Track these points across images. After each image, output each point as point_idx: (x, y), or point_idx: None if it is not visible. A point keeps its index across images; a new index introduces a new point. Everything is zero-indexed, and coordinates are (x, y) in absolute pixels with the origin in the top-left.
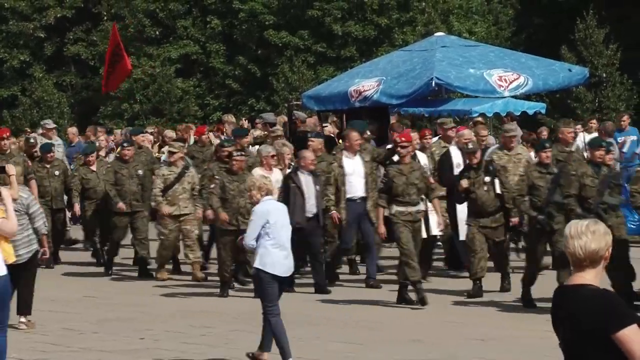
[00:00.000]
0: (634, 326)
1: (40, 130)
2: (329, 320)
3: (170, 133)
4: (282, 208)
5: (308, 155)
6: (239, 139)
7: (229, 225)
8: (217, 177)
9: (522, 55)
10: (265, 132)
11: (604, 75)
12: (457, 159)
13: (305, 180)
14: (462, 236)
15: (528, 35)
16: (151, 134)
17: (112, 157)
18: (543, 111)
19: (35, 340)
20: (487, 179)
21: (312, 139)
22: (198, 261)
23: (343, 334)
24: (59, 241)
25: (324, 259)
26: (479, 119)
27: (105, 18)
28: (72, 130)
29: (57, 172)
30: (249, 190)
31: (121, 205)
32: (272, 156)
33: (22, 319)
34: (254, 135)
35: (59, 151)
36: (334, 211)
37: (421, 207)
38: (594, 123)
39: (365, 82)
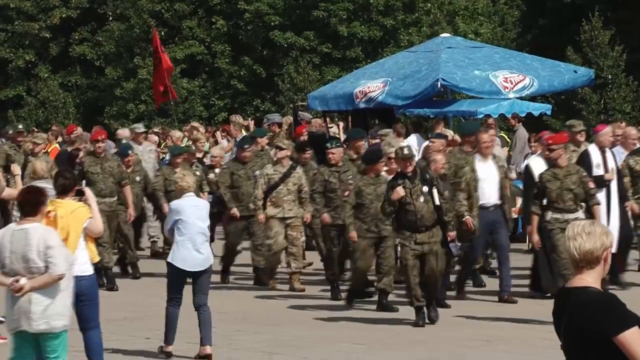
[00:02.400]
0: (635, 328)
1: (128, 134)
2: (334, 321)
3: (176, 133)
4: (198, 205)
5: (439, 158)
6: (355, 141)
7: (368, 233)
8: (351, 181)
9: (527, 56)
10: (272, 133)
11: (609, 77)
12: (597, 159)
13: None
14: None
15: (534, 36)
16: (156, 134)
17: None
18: (549, 112)
19: None
20: (425, 188)
21: (434, 139)
22: (299, 272)
23: (348, 334)
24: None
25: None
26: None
27: (110, 18)
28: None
29: (137, 178)
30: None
31: (235, 211)
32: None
33: None
34: None
35: (150, 157)
36: (468, 217)
37: (580, 214)
38: None
39: (371, 83)
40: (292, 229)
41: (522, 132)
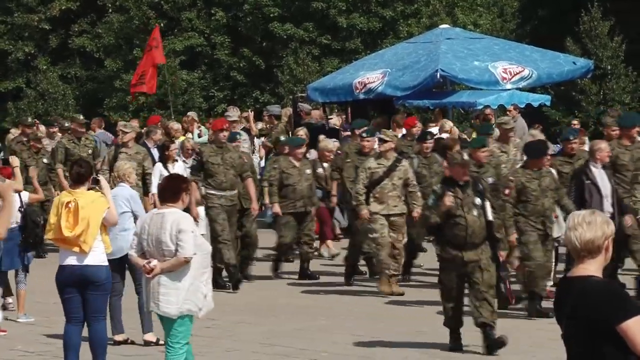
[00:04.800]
0: (638, 317)
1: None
2: (334, 312)
3: (175, 125)
4: (115, 194)
5: (603, 146)
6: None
7: (534, 230)
8: (511, 177)
9: (526, 47)
10: (270, 124)
11: (609, 68)
12: None
13: (600, 175)
14: None
15: (533, 27)
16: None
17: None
18: (548, 103)
19: (40, 333)
20: (477, 200)
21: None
22: (398, 274)
23: (349, 325)
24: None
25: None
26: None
27: (110, 10)
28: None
29: None
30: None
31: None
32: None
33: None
34: (258, 128)
35: (244, 147)
36: None
37: None
38: None
39: (370, 74)
40: (394, 229)
41: (520, 123)
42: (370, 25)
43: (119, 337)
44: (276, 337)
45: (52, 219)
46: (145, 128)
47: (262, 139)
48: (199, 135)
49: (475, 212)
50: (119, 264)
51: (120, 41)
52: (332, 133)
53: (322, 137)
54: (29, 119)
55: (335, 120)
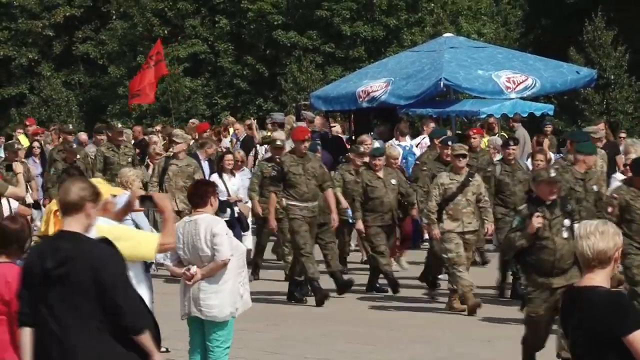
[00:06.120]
0: None
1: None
2: (336, 320)
3: (178, 132)
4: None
5: None
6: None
7: (638, 254)
8: (615, 194)
9: (530, 56)
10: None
11: (612, 77)
12: None
13: None
14: None
15: (536, 36)
16: (159, 132)
17: None
18: (551, 113)
19: None
20: (567, 222)
21: None
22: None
23: (350, 333)
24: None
25: None
26: None
27: (114, 17)
28: (83, 135)
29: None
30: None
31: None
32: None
33: None
34: (262, 135)
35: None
36: None
37: None
38: None
39: (374, 83)
40: (465, 247)
41: (522, 132)
42: (374, 34)
43: None
44: (282, 345)
45: (42, 227)
46: (198, 135)
47: (266, 146)
48: None
49: (564, 235)
50: None
51: (124, 48)
52: (335, 141)
53: (389, 143)
54: (70, 126)
55: (339, 128)
